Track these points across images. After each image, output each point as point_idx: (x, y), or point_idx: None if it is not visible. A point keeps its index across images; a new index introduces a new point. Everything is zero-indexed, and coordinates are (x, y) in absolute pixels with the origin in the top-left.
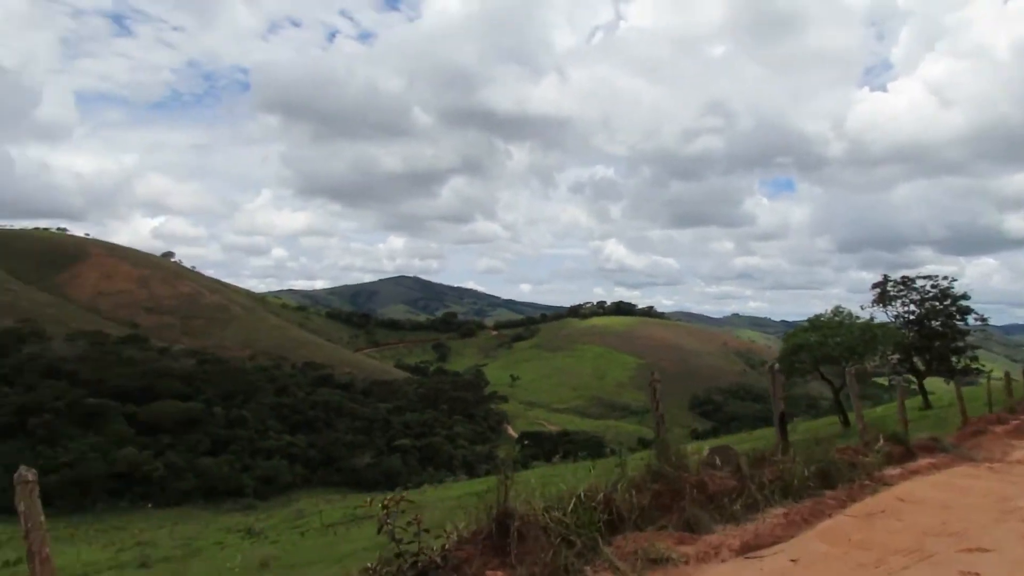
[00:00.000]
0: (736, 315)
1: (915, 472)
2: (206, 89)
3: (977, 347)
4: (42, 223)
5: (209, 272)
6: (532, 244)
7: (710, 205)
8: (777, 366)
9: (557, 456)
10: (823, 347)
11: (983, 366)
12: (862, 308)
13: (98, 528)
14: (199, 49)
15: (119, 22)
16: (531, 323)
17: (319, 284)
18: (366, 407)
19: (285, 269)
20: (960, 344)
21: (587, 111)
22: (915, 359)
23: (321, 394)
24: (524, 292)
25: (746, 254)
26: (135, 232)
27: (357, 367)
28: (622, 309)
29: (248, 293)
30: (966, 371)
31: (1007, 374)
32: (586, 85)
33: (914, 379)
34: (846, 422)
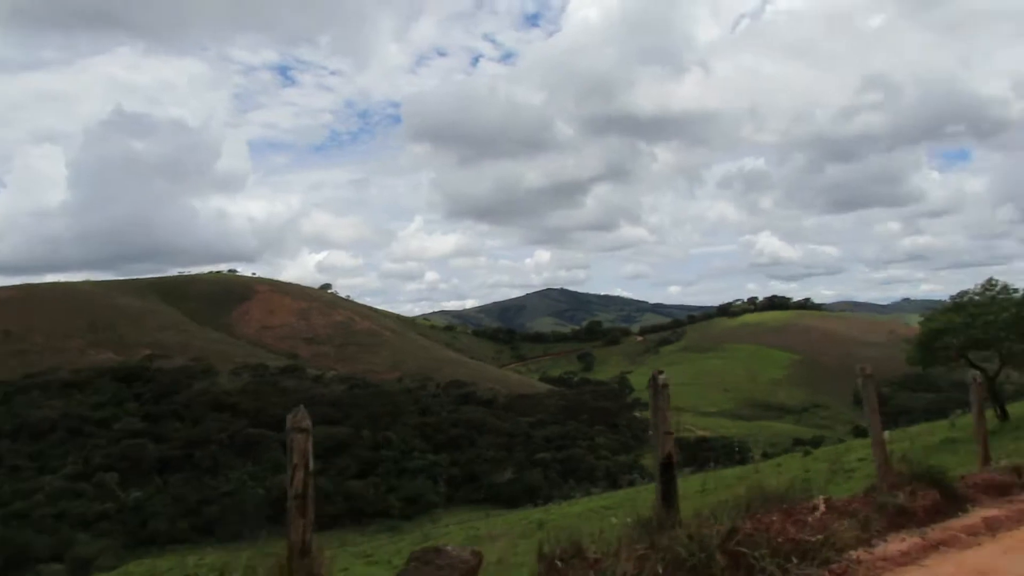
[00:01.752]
0: (907, 300)
1: (943, 543)
2: (361, 127)
3: None
4: (221, 267)
5: (366, 300)
6: (679, 245)
7: (871, 185)
8: (869, 369)
9: (688, 469)
10: (970, 330)
11: None
12: None
13: (252, 554)
14: (354, 89)
15: (284, 73)
16: (678, 326)
17: (469, 303)
18: (507, 422)
19: (437, 291)
20: None
21: (734, 103)
22: None
23: (464, 412)
24: (673, 295)
25: (915, 234)
26: (303, 267)
27: (501, 383)
28: (776, 304)
29: (398, 317)
30: None
31: None
32: (732, 76)
33: None
34: (1004, 415)
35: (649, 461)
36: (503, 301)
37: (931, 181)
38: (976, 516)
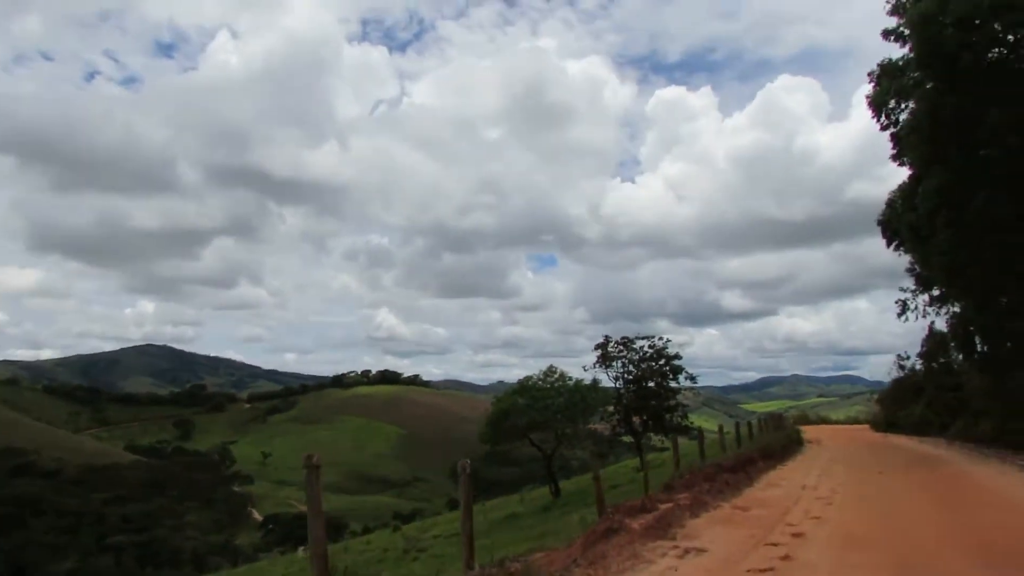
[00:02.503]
0: (501, 382)
1: None
2: None
3: (687, 405)
4: None
5: None
6: (299, 311)
7: (479, 277)
8: (316, 458)
9: (279, 548)
10: (531, 412)
11: (692, 423)
12: (585, 369)
13: None
14: None
15: None
16: (290, 394)
17: (46, 354)
18: (75, 499)
19: (3, 336)
20: (672, 403)
21: (366, 180)
22: (633, 419)
23: (16, 486)
24: (289, 362)
25: (511, 324)
26: None
27: (73, 451)
28: (387, 378)
29: None
30: (678, 429)
31: (700, 431)
32: (366, 155)
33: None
34: (557, 492)
35: (244, 540)
36: (91, 354)
37: (527, 280)
38: None
